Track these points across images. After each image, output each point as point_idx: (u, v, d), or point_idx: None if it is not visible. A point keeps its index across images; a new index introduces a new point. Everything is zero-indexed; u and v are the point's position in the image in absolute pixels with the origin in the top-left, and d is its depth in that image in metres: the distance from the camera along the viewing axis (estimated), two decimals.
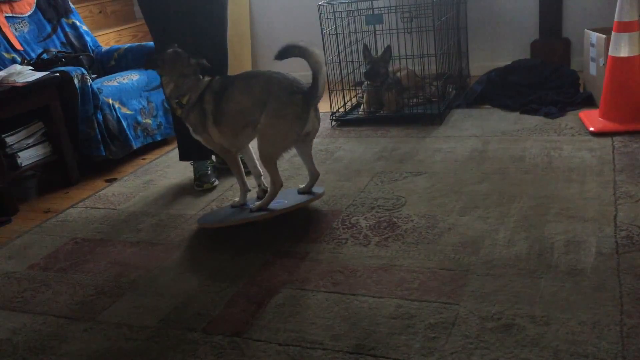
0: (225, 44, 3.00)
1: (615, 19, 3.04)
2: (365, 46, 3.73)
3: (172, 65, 2.51)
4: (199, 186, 3.00)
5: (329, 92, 3.76)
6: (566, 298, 1.78)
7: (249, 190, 2.64)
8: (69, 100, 3.30)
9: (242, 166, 2.61)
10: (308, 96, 2.35)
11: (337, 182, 2.84)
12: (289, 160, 3.12)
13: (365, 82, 3.78)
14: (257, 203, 2.52)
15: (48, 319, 2.03)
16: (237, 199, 2.65)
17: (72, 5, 4.10)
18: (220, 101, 2.44)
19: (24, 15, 3.80)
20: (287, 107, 2.33)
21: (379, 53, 3.81)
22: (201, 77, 2.53)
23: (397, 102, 3.74)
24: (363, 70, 3.74)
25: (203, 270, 2.24)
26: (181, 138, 3.07)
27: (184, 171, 3.29)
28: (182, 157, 3.15)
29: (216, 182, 3.02)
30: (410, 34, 3.62)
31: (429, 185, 2.70)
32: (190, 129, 2.55)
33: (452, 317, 1.76)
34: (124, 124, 3.51)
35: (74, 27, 4.03)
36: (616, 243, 2.04)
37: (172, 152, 3.64)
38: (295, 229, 2.44)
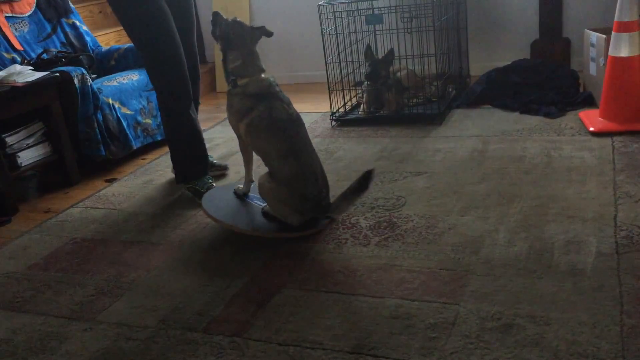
0: (196, 47, 3.03)
1: (615, 19, 3.04)
2: (368, 46, 3.73)
3: (241, 37, 2.41)
4: None
5: (329, 92, 3.76)
6: (566, 298, 1.78)
7: (253, 181, 2.63)
8: (69, 100, 3.30)
9: (252, 158, 2.59)
10: (316, 209, 2.35)
11: (337, 182, 2.84)
12: None
13: (366, 82, 3.78)
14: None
15: (48, 319, 2.03)
16: (241, 186, 2.65)
17: (72, 5, 4.10)
18: (260, 127, 2.36)
19: (24, 15, 3.80)
20: (294, 202, 2.33)
21: (379, 53, 3.81)
22: (263, 72, 2.44)
23: (397, 102, 3.74)
24: (363, 70, 3.74)
25: (203, 270, 2.24)
26: (180, 157, 2.89)
27: None
28: (183, 178, 2.90)
29: None
30: (410, 34, 3.62)
31: (429, 185, 2.70)
32: (227, 104, 2.48)
33: (452, 317, 1.76)
34: (124, 124, 3.51)
35: (74, 27, 4.03)
36: (616, 243, 2.04)
37: None
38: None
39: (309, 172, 2.34)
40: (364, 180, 2.25)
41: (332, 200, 2.37)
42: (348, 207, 2.36)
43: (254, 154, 2.56)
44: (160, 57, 2.71)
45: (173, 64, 2.71)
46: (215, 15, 2.49)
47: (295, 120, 2.39)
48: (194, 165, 2.89)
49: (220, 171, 3.16)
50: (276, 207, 2.39)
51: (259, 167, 2.67)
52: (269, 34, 2.47)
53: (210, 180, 2.90)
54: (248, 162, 2.60)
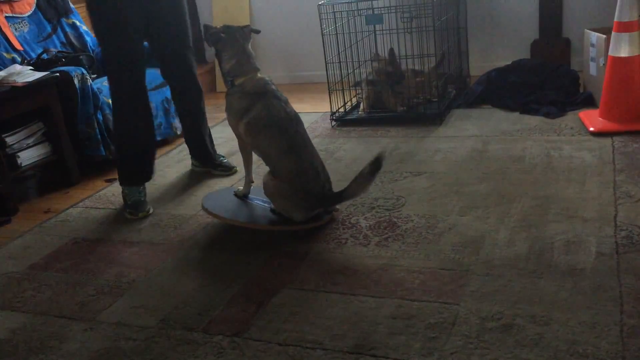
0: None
1: (615, 19, 3.04)
2: (391, 50, 3.71)
3: (232, 35, 2.46)
4: (133, 214, 2.76)
5: (329, 92, 3.76)
6: (566, 298, 1.78)
7: (253, 182, 2.64)
8: (69, 100, 3.29)
9: (252, 158, 2.60)
10: (321, 202, 2.37)
11: (337, 182, 2.83)
12: None
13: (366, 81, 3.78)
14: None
15: (48, 319, 2.03)
16: (241, 187, 2.66)
17: (72, 5, 4.09)
18: (259, 126, 2.38)
19: (24, 15, 3.80)
20: (297, 198, 2.34)
21: (379, 53, 3.82)
22: (258, 71, 2.47)
23: (395, 102, 3.73)
24: (364, 70, 3.74)
25: (203, 270, 2.24)
26: (122, 160, 2.89)
27: (184, 171, 3.29)
28: (126, 180, 2.87)
29: (151, 210, 2.80)
30: (410, 34, 3.62)
31: (429, 185, 2.70)
32: (227, 105, 2.50)
33: (452, 317, 1.76)
34: None
35: (74, 27, 4.03)
36: (616, 243, 2.04)
37: (172, 152, 3.64)
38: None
39: (310, 168, 2.35)
40: (377, 161, 2.23)
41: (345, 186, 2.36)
42: (365, 189, 2.32)
43: (253, 154, 2.56)
44: (113, 59, 2.75)
45: (125, 69, 2.73)
46: (205, 27, 2.58)
47: (294, 119, 2.42)
48: (128, 171, 2.87)
49: (227, 172, 3.14)
50: (280, 204, 2.40)
51: (259, 167, 2.67)
52: (257, 31, 2.57)
53: (141, 195, 2.83)
54: (247, 163, 2.61)
